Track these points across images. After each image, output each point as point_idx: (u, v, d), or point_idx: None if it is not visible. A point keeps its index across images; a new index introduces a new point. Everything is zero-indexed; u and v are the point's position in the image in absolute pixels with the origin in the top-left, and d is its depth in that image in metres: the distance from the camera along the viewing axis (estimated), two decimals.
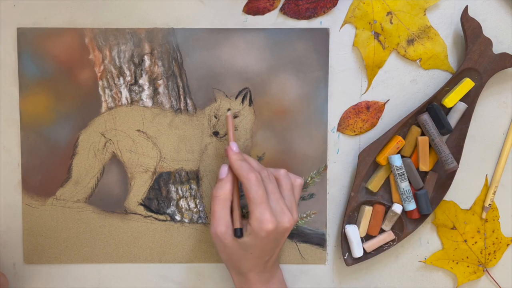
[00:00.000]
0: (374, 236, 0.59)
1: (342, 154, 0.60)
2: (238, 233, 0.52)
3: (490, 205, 0.60)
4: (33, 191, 0.59)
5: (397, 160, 0.57)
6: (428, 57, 0.59)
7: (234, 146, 0.53)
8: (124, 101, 0.59)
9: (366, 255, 0.59)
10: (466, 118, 0.58)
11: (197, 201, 0.60)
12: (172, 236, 0.60)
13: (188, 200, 0.60)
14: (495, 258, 0.61)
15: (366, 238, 0.59)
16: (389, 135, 0.58)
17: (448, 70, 0.59)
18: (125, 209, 0.60)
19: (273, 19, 0.58)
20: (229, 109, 0.58)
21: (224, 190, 0.52)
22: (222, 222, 0.52)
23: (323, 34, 0.58)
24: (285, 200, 0.52)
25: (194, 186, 0.60)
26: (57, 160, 0.59)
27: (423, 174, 0.59)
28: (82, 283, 0.61)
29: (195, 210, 0.60)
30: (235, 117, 0.59)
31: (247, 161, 0.53)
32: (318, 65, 0.59)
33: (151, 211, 0.60)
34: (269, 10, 0.58)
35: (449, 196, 0.60)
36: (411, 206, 0.58)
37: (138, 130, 0.59)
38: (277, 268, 0.57)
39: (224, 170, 0.53)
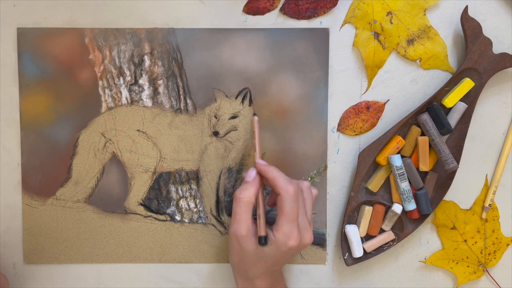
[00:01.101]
0: (374, 236, 0.59)
1: (342, 154, 0.60)
2: (262, 241, 0.51)
3: (490, 205, 0.60)
4: (33, 191, 0.59)
5: (397, 160, 0.57)
6: (428, 57, 0.59)
7: (262, 162, 0.53)
8: (124, 101, 0.59)
9: (366, 255, 0.59)
10: (466, 118, 0.58)
11: (197, 201, 0.60)
12: (172, 236, 0.60)
13: (188, 200, 0.60)
14: (495, 258, 0.61)
15: (366, 238, 0.59)
16: (389, 135, 0.58)
17: (448, 70, 0.59)
18: (125, 209, 0.60)
19: (273, 19, 0.58)
20: (254, 114, 0.57)
21: (249, 193, 0.51)
22: (243, 225, 0.51)
23: (323, 34, 0.58)
24: (307, 215, 0.52)
25: (194, 186, 0.60)
26: (57, 160, 0.59)
27: (423, 174, 0.59)
28: (82, 283, 0.61)
29: (195, 210, 0.60)
30: (234, 117, 0.59)
31: (282, 172, 0.52)
32: (318, 65, 0.59)
33: (151, 211, 0.60)
34: (269, 10, 0.58)
35: (449, 196, 0.60)
36: (411, 206, 0.58)
37: (138, 130, 0.59)
38: (280, 274, 0.57)
39: (252, 173, 0.53)
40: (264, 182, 0.54)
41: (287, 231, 0.50)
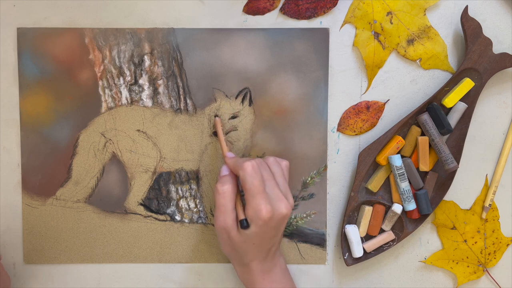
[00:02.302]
0: (374, 236, 0.59)
1: (342, 154, 0.60)
2: (244, 223, 0.52)
3: (490, 205, 0.60)
4: (33, 191, 0.59)
5: (397, 160, 0.57)
6: (428, 57, 0.59)
7: (230, 154, 0.55)
8: (124, 101, 0.59)
9: (366, 255, 0.59)
10: (466, 118, 0.58)
11: (197, 201, 0.60)
12: (172, 236, 0.60)
13: (188, 200, 0.60)
14: (495, 258, 0.61)
15: (366, 238, 0.59)
16: (389, 135, 0.58)
17: (448, 70, 0.59)
18: (125, 209, 0.60)
19: (273, 19, 0.58)
20: (216, 116, 0.59)
21: (228, 184, 0.53)
22: (229, 215, 0.52)
23: (323, 34, 0.58)
24: (280, 186, 0.53)
25: (194, 186, 0.60)
26: (57, 160, 0.59)
27: (423, 174, 0.59)
28: (82, 283, 0.61)
29: (195, 210, 0.60)
30: (234, 117, 0.59)
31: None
32: (318, 65, 0.59)
33: (151, 211, 0.60)
34: (269, 10, 0.58)
35: (449, 196, 0.60)
36: (411, 206, 0.58)
37: (138, 130, 0.59)
38: (279, 256, 0.57)
39: (224, 168, 0.54)
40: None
41: (254, 205, 0.50)
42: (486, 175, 0.61)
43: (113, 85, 0.59)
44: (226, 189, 0.52)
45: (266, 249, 0.54)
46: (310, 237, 0.60)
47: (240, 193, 0.54)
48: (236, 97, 0.59)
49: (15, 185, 0.59)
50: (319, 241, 0.60)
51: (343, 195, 0.60)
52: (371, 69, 0.59)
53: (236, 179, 0.54)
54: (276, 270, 0.56)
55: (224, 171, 0.54)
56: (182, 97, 0.59)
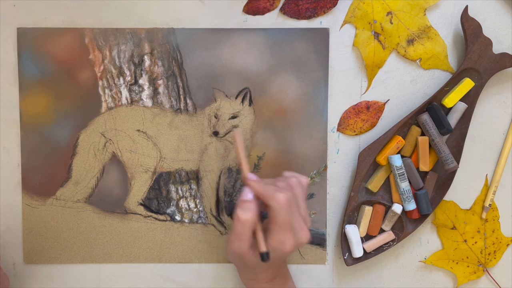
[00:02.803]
0: (374, 236, 0.59)
1: (342, 154, 0.60)
2: (265, 257, 0.50)
3: (490, 205, 0.60)
4: (33, 191, 0.59)
5: (397, 160, 0.57)
6: (428, 57, 0.59)
7: (252, 176, 0.52)
8: (124, 101, 0.59)
9: (366, 255, 0.59)
10: (466, 118, 0.58)
11: (197, 201, 0.60)
12: (172, 236, 0.60)
13: (188, 200, 0.60)
14: (495, 258, 0.61)
15: (366, 238, 0.59)
16: (389, 135, 0.58)
17: (448, 70, 0.59)
18: (125, 209, 0.60)
19: (273, 19, 0.58)
20: (235, 126, 0.56)
21: (252, 213, 0.50)
22: (246, 243, 0.50)
23: (323, 34, 0.58)
24: (301, 210, 0.51)
25: (194, 186, 0.60)
26: (57, 160, 0.59)
27: (423, 174, 0.59)
28: (82, 283, 0.61)
29: (195, 210, 0.60)
30: (234, 117, 0.59)
31: (270, 183, 0.51)
32: (318, 65, 0.59)
33: (151, 211, 0.60)
34: (269, 10, 0.58)
35: (449, 196, 0.60)
36: (411, 206, 0.58)
37: (138, 130, 0.59)
38: (287, 272, 0.57)
39: (247, 192, 0.51)
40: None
41: (282, 239, 0.49)
42: (486, 175, 0.61)
43: (113, 85, 0.59)
44: (248, 219, 0.49)
45: (278, 270, 0.54)
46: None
47: (260, 221, 0.52)
48: (236, 97, 0.59)
49: (15, 185, 0.59)
50: (319, 241, 0.60)
51: (343, 195, 0.60)
52: (371, 69, 0.59)
53: (259, 207, 0.51)
54: (281, 275, 0.55)
55: (248, 195, 0.51)
56: (182, 97, 0.59)
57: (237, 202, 0.51)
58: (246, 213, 0.50)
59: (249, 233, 0.50)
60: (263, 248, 0.50)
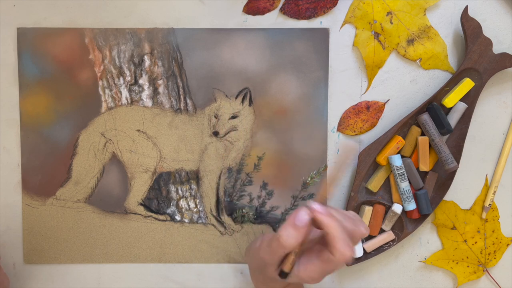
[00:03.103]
0: (374, 236, 0.59)
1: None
2: (284, 275, 0.47)
3: (490, 205, 0.60)
4: (33, 191, 0.59)
5: (397, 160, 0.57)
6: (428, 57, 0.59)
7: (317, 206, 0.46)
8: (124, 101, 0.59)
9: (366, 255, 0.59)
10: (466, 118, 0.58)
11: (197, 201, 0.60)
12: (172, 236, 0.60)
13: (188, 200, 0.60)
14: (495, 258, 0.61)
15: (366, 238, 0.59)
16: (389, 135, 0.58)
17: (448, 70, 0.59)
18: (125, 209, 0.60)
19: (273, 19, 0.58)
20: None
21: (295, 242, 0.45)
22: (277, 260, 0.47)
23: (323, 34, 0.58)
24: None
25: (194, 186, 0.60)
26: (57, 160, 0.59)
27: (423, 174, 0.59)
28: (82, 283, 0.61)
29: (195, 210, 0.60)
30: (234, 117, 0.59)
31: (333, 216, 0.45)
32: (318, 65, 0.59)
33: (151, 211, 0.60)
34: (269, 10, 0.58)
35: (449, 196, 0.60)
36: (411, 206, 0.58)
37: (138, 130, 0.59)
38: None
39: (304, 218, 0.45)
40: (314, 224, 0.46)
41: (314, 276, 0.46)
42: (486, 175, 0.61)
43: (113, 85, 0.59)
44: (288, 245, 0.44)
45: None
46: None
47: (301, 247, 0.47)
48: (236, 97, 0.59)
49: (15, 185, 0.59)
50: None
51: (343, 195, 0.60)
52: (371, 69, 0.59)
53: (307, 236, 0.46)
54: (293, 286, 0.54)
55: (299, 220, 0.45)
56: (182, 97, 0.59)
57: (288, 218, 0.45)
58: (290, 240, 0.44)
59: (282, 255, 0.46)
60: (287, 268, 0.46)
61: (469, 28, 0.57)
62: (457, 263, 0.61)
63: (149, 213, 0.60)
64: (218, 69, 0.59)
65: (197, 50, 0.58)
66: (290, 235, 0.44)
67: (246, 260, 0.53)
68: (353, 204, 0.58)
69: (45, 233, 0.60)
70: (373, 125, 0.60)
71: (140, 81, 0.59)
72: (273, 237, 0.46)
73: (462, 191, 0.61)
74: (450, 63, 0.59)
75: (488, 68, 0.57)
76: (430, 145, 0.58)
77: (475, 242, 0.61)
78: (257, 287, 0.54)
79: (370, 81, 0.59)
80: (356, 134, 0.60)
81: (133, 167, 0.59)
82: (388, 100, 0.60)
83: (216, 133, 0.59)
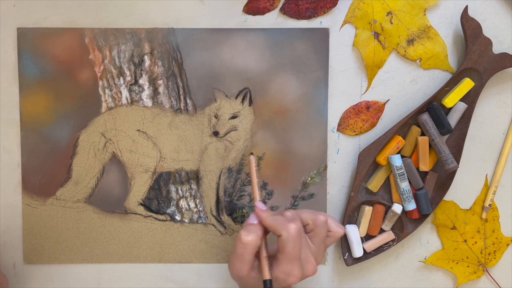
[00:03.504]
0: (374, 236, 0.59)
1: (342, 154, 0.60)
2: (268, 285, 0.49)
3: (490, 205, 0.60)
4: (33, 191, 0.59)
5: (397, 160, 0.57)
6: (428, 57, 0.59)
7: (261, 205, 0.52)
8: (124, 101, 0.59)
9: (366, 255, 0.59)
10: (466, 118, 0.58)
11: (197, 201, 0.60)
12: (172, 236, 0.60)
13: (188, 200, 0.60)
14: (495, 258, 0.61)
15: (366, 238, 0.59)
16: (389, 135, 0.58)
17: (448, 70, 0.59)
18: (125, 209, 0.60)
19: (273, 19, 0.58)
20: (251, 153, 0.55)
21: (254, 236, 0.49)
22: (246, 265, 0.50)
23: (323, 34, 0.58)
24: (312, 249, 0.51)
25: (194, 186, 0.60)
26: (57, 160, 0.59)
27: (423, 174, 0.59)
28: (82, 283, 0.61)
29: (195, 210, 0.60)
30: (234, 117, 0.59)
31: (280, 214, 0.51)
32: (318, 65, 0.59)
33: (151, 211, 0.60)
34: (269, 10, 0.58)
35: (449, 196, 0.60)
36: (411, 206, 0.58)
37: (138, 130, 0.59)
38: None
39: (252, 217, 0.52)
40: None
41: (287, 270, 0.49)
42: (486, 175, 0.61)
43: (113, 85, 0.59)
44: (250, 241, 0.49)
45: None
46: None
47: (265, 247, 0.51)
48: (236, 97, 0.59)
49: (15, 185, 0.59)
50: None
51: (343, 195, 0.60)
52: (371, 69, 0.59)
53: (264, 232, 0.51)
54: None
55: (252, 219, 0.51)
56: (182, 97, 0.59)
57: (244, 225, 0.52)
58: (248, 235, 0.49)
59: (250, 256, 0.50)
60: (266, 276, 0.50)
61: (469, 28, 0.57)
62: (457, 263, 0.61)
63: (149, 213, 0.60)
64: (218, 69, 0.59)
65: (197, 50, 0.58)
66: (246, 231, 0.50)
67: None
68: (353, 204, 0.58)
69: (45, 233, 0.60)
70: (373, 125, 0.60)
71: (140, 81, 0.59)
72: (235, 246, 0.50)
73: (462, 191, 0.61)
74: (450, 63, 0.59)
75: (488, 68, 0.57)
76: (430, 145, 0.58)
77: (475, 242, 0.61)
78: None
79: (370, 81, 0.59)
80: (356, 134, 0.60)
81: (133, 167, 0.59)
82: (388, 100, 0.60)
83: (216, 133, 0.59)
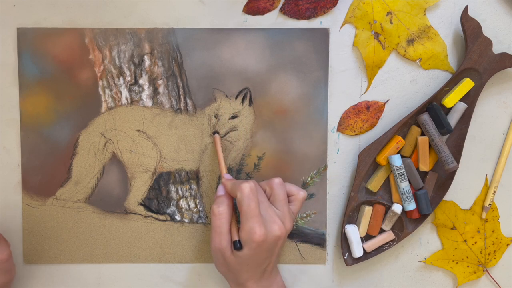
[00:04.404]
0: (374, 236, 0.59)
1: (342, 154, 0.60)
2: (237, 245, 0.52)
3: (490, 205, 0.60)
4: (33, 191, 0.59)
5: (397, 160, 0.57)
6: (428, 57, 0.59)
7: (227, 176, 0.56)
8: (124, 101, 0.59)
9: (366, 255, 0.59)
10: (466, 118, 0.58)
11: (197, 201, 0.60)
12: (172, 236, 0.60)
13: (188, 200, 0.60)
14: (495, 258, 0.61)
15: (366, 238, 0.59)
16: (389, 135, 0.58)
17: (448, 70, 0.59)
18: (125, 209, 0.60)
19: (273, 19, 0.58)
20: (215, 132, 0.59)
21: (225, 205, 0.53)
22: (225, 237, 0.52)
23: (323, 34, 0.58)
24: (276, 211, 0.53)
25: (194, 186, 0.60)
26: (57, 160, 0.59)
27: (423, 174, 0.59)
28: (82, 283, 0.61)
29: (195, 210, 0.60)
30: (234, 117, 0.59)
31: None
32: (318, 65, 0.59)
33: (151, 211, 0.60)
34: (269, 10, 0.58)
35: (449, 196, 0.60)
36: (411, 206, 0.58)
37: (138, 130, 0.59)
38: (275, 275, 0.56)
39: (221, 187, 0.55)
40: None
41: (248, 228, 0.51)
42: (486, 175, 0.61)
43: (113, 85, 0.59)
44: (222, 211, 0.53)
45: (261, 269, 0.54)
46: (310, 237, 0.60)
47: (236, 214, 0.54)
48: (236, 97, 0.59)
49: (15, 185, 0.59)
50: (319, 241, 0.60)
51: (343, 195, 0.60)
52: (371, 69, 0.59)
53: (232, 200, 0.54)
54: (266, 275, 0.55)
55: (220, 191, 0.55)
56: (182, 97, 0.59)
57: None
58: (219, 206, 0.53)
59: (226, 225, 0.53)
60: (235, 237, 0.52)
61: (469, 28, 0.57)
62: (457, 263, 0.61)
63: (149, 213, 0.60)
64: (218, 69, 0.59)
65: (197, 50, 0.58)
66: (216, 203, 0.53)
67: (221, 274, 0.57)
68: (353, 204, 0.58)
69: (45, 233, 0.60)
70: (373, 125, 0.60)
71: (140, 81, 0.59)
72: (211, 221, 0.54)
73: (462, 191, 0.61)
74: (450, 63, 0.59)
75: (488, 68, 0.57)
76: (430, 145, 0.58)
77: (475, 242, 0.61)
78: None
79: (370, 81, 0.59)
80: (356, 134, 0.60)
81: (133, 167, 0.59)
82: (388, 100, 0.60)
83: (216, 133, 0.59)
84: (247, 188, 0.51)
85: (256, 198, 0.51)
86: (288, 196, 0.55)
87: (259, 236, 0.50)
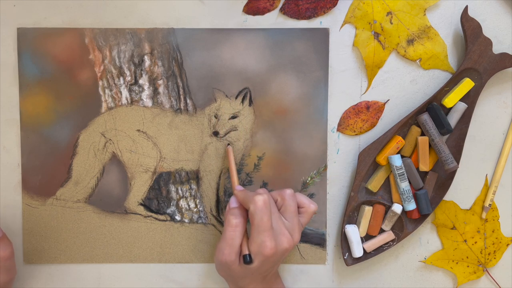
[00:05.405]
0: (374, 236, 0.59)
1: (342, 154, 0.60)
2: (247, 259, 0.52)
3: (490, 205, 0.60)
4: (33, 191, 0.59)
5: (397, 160, 0.57)
6: (428, 57, 0.59)
7: (239, 187, 0.55)
8: (124, 101, 0.59)
9: (366, 255, 0.59)
10: (466, 118, 0.58)
11: (197, 201, 0.60)
12: (172, 236, 0.60)
13: (188, 200, 0.60)
14: (495, 258, 0.61)
15: (366, 238, 0.59)
16: (389, 135, 0.58)
17: (448, 70, 0.59)
18: (125, 209, 0.60)
19: (273, 19, 0.58)
20: (228, 144, 0.58)
21: (241, 218, 0.53)
22: (235, 249, 0.52)
23: (323, 34, 0.58)
24: (285, 223, 0.52)
25: (194, 186, 0.60)
26: (57, 160, 0.59)
27: (423, 174, 0.59)
28: (82, 283, 0.61)
29: (195, 210, 0.60)
30: (234, 117, 0.59)
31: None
32: (318, 65, 0.59)
33: (151, 211, 0.60)
34: (269, 10, 0.58)
35: (449, 196, 0.60)
36: (411, 206, 0.58)
37: (138, 130, 0.59)
38: (276, 277, 0.57)
39: (234, 199, 0.54)
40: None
41: (259, 241, 0.50)
42: (486, 175, 0.61)
43: (113, 85, 0.59)
44: (238, 223, 0.52)
45: (264, 275, 0.54)
46: (310, 237, 0.60)
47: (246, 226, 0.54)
48: (236, 97, 0.59)
49: (15, 185, 0.59)
50: (319, 241, 0.60)
51: (343, 195, 0.60)
52: (371, 69, 0.59)
53: (246, 212, 0.54)
54: (269, 284, 0.55)
55: (233, 203, 0.54)
56: (182, 97, 0.59)
57: (226, 210, 0.54)
58: (236, 218, 0.52)
59: (239, 238, 0.52)
60: (245, 251, 0.52)
61: (469, 28, 0.57)
62: (457, 263, 0.61)
63: (149, 213, 0.60)
64: (218, 69, 0.59)
65: (197, 50, 0.58)
66: (232, 215, 0.53)
67: (221, 275, 0.56)
68: (353, 204, 0.58)
69: (45, 233, 0.60)
70: (373, 125, 0.60)
71: (140, 81, 0.59)
72: (224, 232, 0.53)
73: (462, 191, 0.61)
74: (450, 63, 0.59)
75: (488, 68, 0.57)
76: (430, 145, 0.58)
77: (475, 242, 0.61)
78: None
79: (370, 81, 0.59)
80: (356, 134, 0.60)
81: (133, 167, 0.59)
82: (388, 100, 0.60)
83: (216, 133, 0.59)
84: (260, 201, 0.51)
85: (269, 212, 0.51)
86: (299, 207, 0.55)
87: (270, 250, 0.50)
